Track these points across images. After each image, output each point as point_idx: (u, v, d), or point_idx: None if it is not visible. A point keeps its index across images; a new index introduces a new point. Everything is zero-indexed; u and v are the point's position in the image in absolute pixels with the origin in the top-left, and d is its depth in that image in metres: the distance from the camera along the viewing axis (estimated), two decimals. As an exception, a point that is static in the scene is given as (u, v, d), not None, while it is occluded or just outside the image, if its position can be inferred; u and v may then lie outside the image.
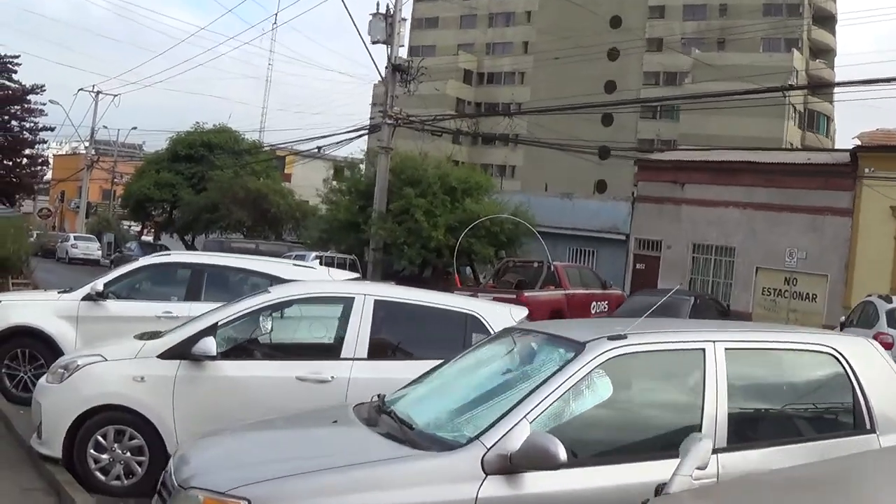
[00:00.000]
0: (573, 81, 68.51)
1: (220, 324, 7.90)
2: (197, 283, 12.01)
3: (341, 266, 25.09)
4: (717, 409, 5.14)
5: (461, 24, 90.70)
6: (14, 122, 57.47)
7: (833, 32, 75.57)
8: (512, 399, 5.02)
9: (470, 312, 8.36)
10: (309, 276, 11.93)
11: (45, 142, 61.80)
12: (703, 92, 41.13)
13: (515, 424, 4.75)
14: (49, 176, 73.05)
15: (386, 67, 30.77)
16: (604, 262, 34.51)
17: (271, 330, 8.21)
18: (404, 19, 31.13)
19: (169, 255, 13.27)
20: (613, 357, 5.09)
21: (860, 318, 19.83)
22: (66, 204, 77.02)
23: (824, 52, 74.63)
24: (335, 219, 32.43)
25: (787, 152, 36.51)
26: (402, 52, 31.48)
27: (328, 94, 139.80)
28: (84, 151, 64.99)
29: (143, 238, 59.74)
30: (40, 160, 62.59)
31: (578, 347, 5.18)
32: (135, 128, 67.45)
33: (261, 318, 8.13)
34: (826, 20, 74.36)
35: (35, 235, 46.57)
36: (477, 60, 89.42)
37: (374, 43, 30.50)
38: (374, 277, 27.79)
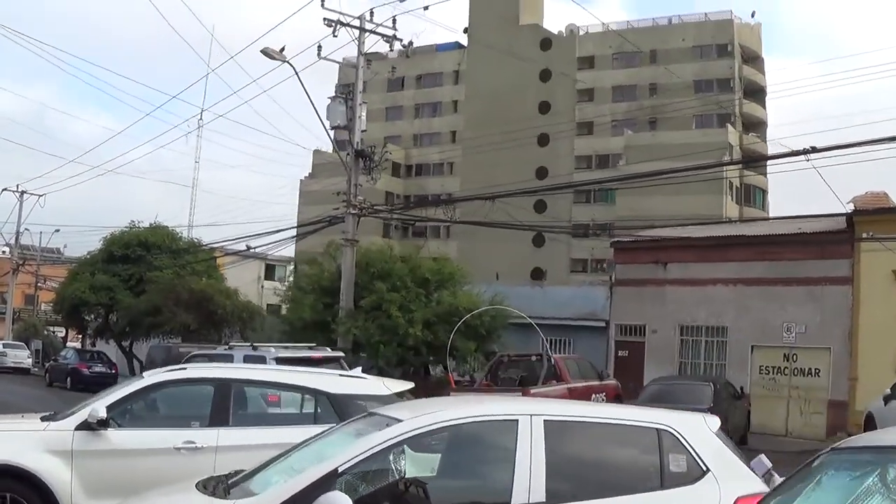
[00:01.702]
0: (503, 169, 67.30)
1: (340, 469, 5.57)
2: (222, 404, 9.57)
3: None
4: None
5: (387, 116, 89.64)
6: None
7: (764, 105, 76.23)
8: None
9: (663, 427, 6.18)
10: (363, 388, 9.71)
11: None
12: (638, 172, 39.78)
13: None
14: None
15: (348, 154, 29.00)
16: (582, 351, 32.44)
17: (404, 472, 5.87)
18: (364, 103, 29.41)
19: (184, 369, 10.77)
20: None
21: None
22: (-14, 310, 73.18)
23: (756, 126, 75.16)
24: (299, 318, 29.95)
25: (775, 222, 35.18)
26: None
27: (257, 190, 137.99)
28: (6, 255, 62.18)
29: (70, 344, 56.57)
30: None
31: None
32: (58, 230, 64.20)
33: (391, 457, 5.84)
34: (756, 93, 75.08)
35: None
36: (405, 152, 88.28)
37: (333, 128, 28.86)
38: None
